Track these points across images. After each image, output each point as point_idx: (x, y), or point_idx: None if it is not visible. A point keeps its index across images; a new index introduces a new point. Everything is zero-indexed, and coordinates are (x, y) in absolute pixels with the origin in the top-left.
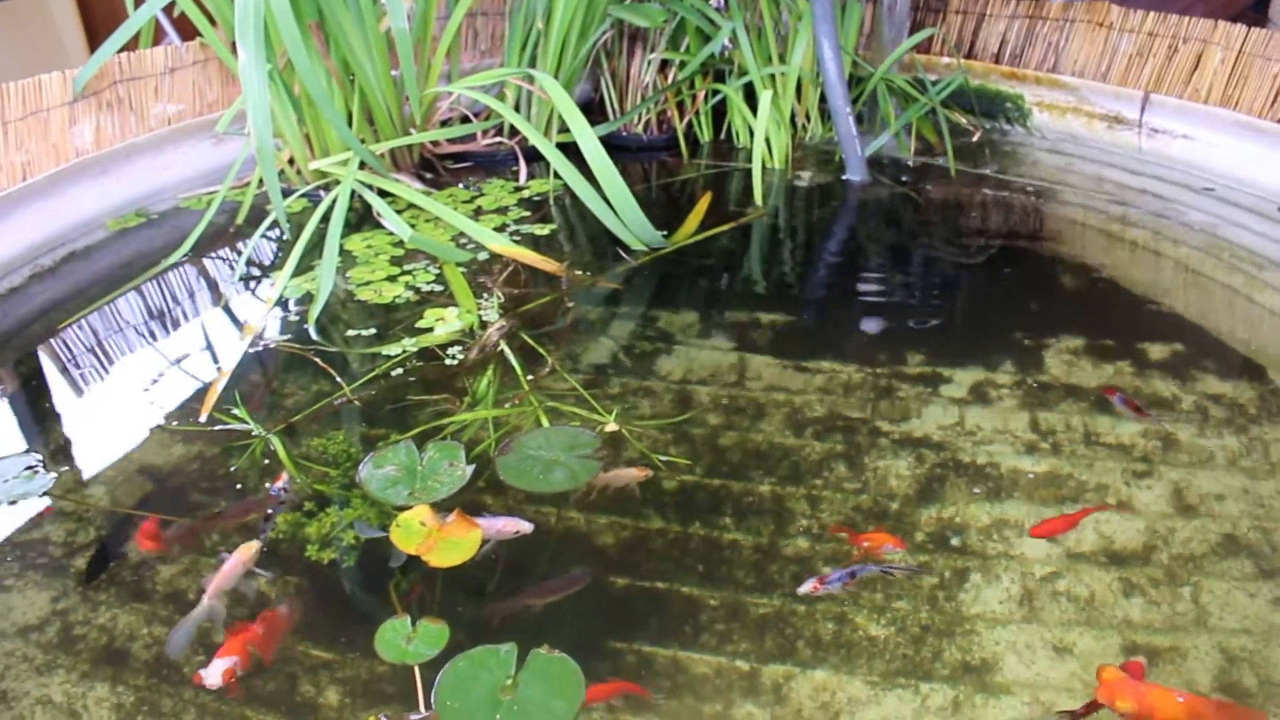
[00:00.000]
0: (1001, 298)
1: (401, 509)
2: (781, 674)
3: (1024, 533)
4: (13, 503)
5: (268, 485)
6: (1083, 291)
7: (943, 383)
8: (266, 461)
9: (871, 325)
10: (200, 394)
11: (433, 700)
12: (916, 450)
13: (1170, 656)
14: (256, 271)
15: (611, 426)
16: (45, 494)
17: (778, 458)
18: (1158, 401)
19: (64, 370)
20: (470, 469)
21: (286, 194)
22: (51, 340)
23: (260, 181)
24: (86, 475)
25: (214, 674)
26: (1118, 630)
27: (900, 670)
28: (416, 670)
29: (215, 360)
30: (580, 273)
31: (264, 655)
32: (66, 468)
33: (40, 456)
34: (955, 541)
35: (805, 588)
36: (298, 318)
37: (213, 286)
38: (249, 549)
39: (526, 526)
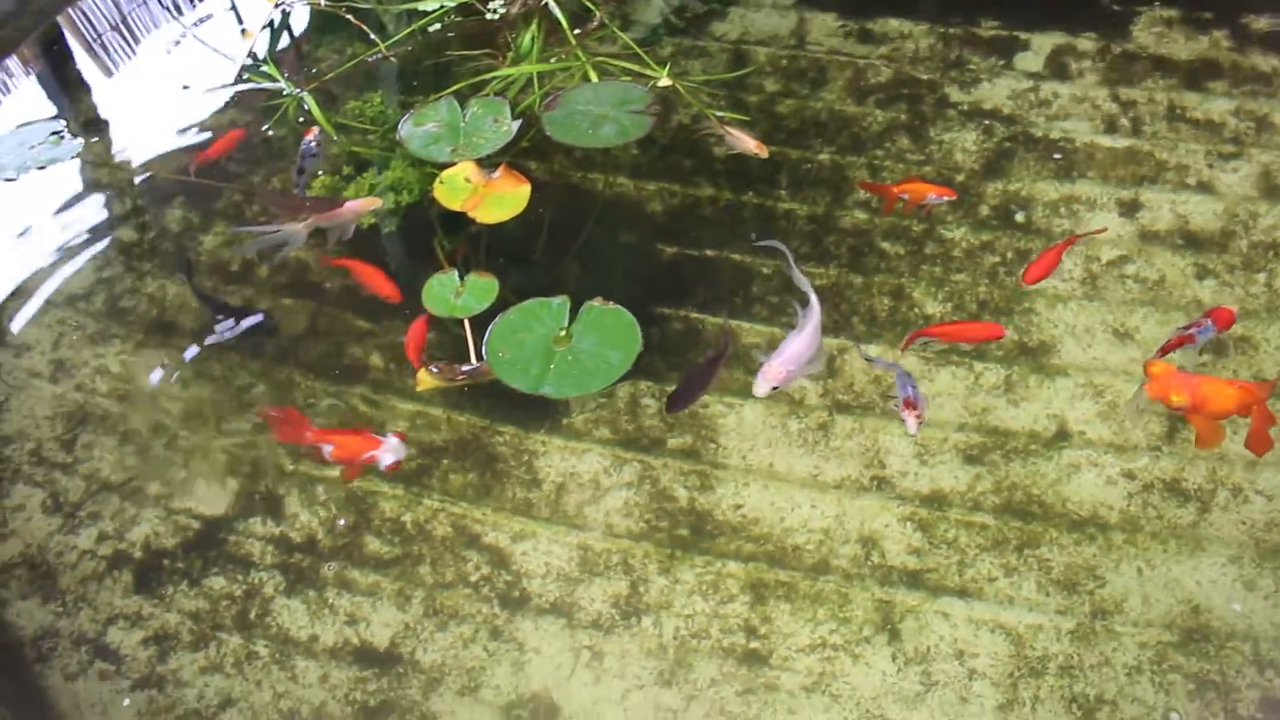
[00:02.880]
0: None
1: (444, 166)
2: (835, 346)
3: (1094, 209)
4: (42, 168)
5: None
6: None
7: (1018, 50)
8: (301, 120)
9: None
10: (229, 58)
11: (484, 352)
12: (985, 122)
13: (1238, 345)
14: None
15: (665, 81)
16: (76, 157)
17: (838, 126)
18: (1256, 77)
19: (85, 38)
20: (516, 125)
21: None
22: (70, 8)
23: None
24: (118, 144)
25: (390, 454)
26: (1185, 314)
27: (956, 350)
28: (467, 323)
29: (241, 21)
30: None
31: None
32: (96, 136)
33: (65, 121)
34: (1020, 217)
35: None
36: None
37: None
38: (370, 202)
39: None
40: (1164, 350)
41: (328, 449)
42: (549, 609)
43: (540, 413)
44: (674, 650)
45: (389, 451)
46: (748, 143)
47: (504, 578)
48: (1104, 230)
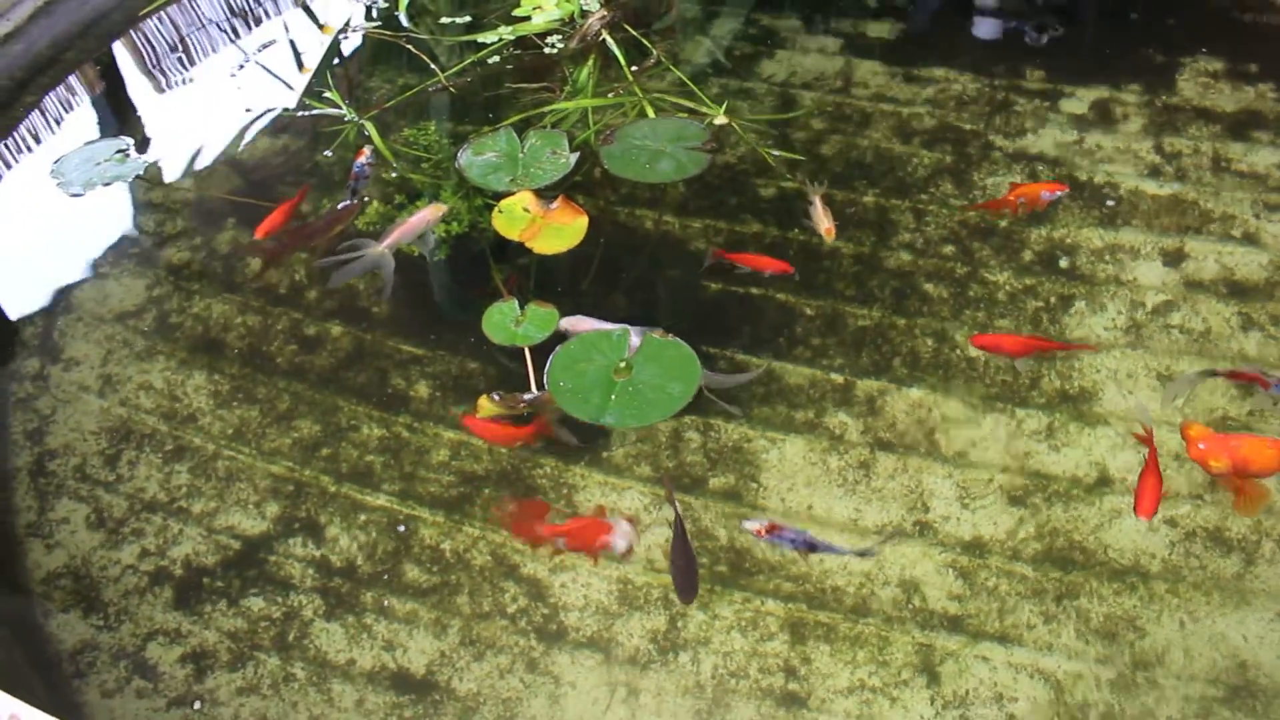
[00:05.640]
0: (1132, 12)
1: (500, 196)
2: (876, 388)
3: (1139, 257)
4: (107, 184)
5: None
6: (1228, 8)
7: (1063, 98)
8: (367, 149)
9: (989, 35)
10: (288, 85)
11: (545, 382)
12: (1030, 166)
13: None
14: None
15: (721, 120)
16: (141, 178)
17: (883, 168)
18: None
19: (147, 61)
20: (574, 157)
21: None
22: (132, 30)
23: None
24: (176, 164)
25: (624, 540)
26: (1230, 364)
27: (998, 394)
28: (527, 351)
29: (302, 50)
30: None
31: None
32: (157, 156)
33: (130, 140)
34: (1064, 263)
35: (751, 525)
36: (388, 4)
37: None
38: (437, 209)
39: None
40: (1231, 375)
41: (562, 541)
42: (586, 642)
43: (581, 446)
44: (711, 689)
45: (622, 537)
46: (822, 222)
47: (541, 610)
48: (1095, 348)
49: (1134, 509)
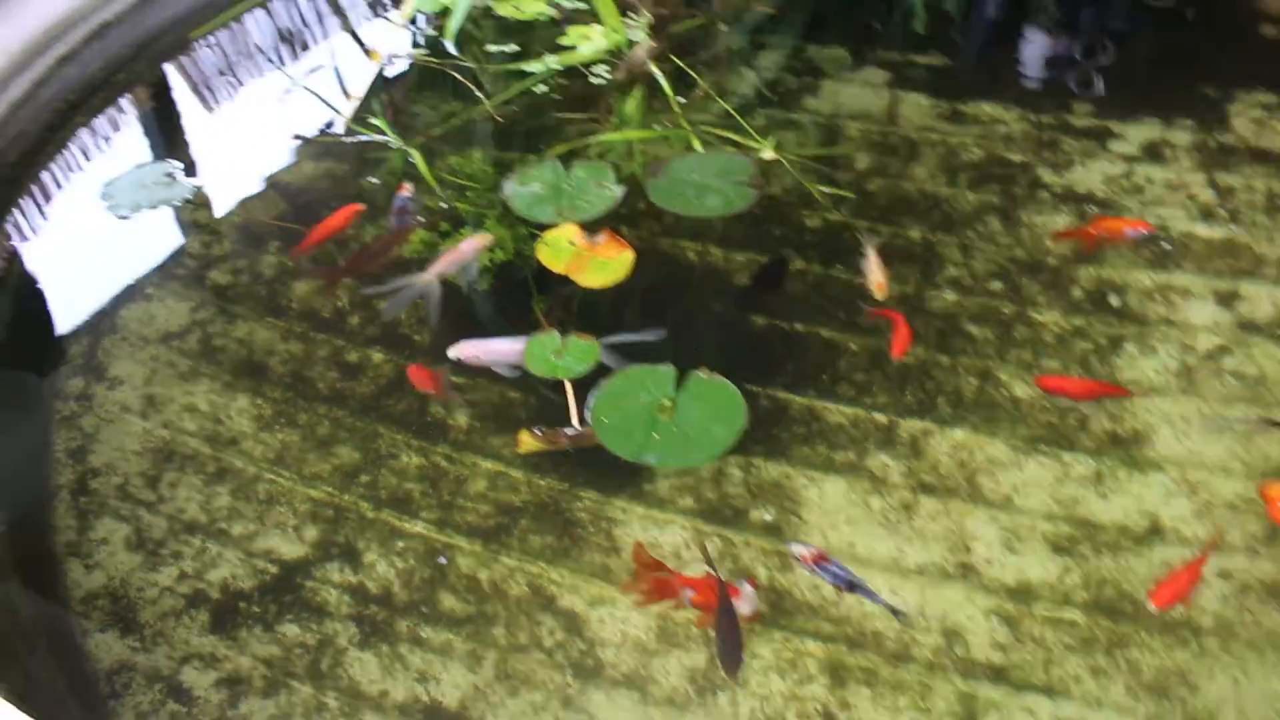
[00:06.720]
0: (1185, 47)
1: (544, 227)
2: (920, 429)
3: (1190, 296)
4: (154, 207)
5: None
6: None
7: (1112, 137)
8: (408, 185)
9: (1036, 71)
10: (334, 111)
11: (587, 416)
12: (1079, 205)
13: None
14: None
15: (769, 154)
16: (187, 201)
17: (929, 204)
18: None
19: (196, 84)
20: (620, 190)
21: None
22: (182, 54)
23: None
24: (222, 188)
25: (748, 604)
26: None
27: (1044, 437)
28: (569, 385)
29: (349, 76)
30: None
31: None
32: (203, 179)
33: (178, 163)
34: (1114, 303)
35: (799, 549)
36: (434, 33)
37: (344, 4)
38: (484, 238)
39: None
40: None
41: (688, 594)
42: (623, 680)
43: (622, 479)
44: None
45: (746, 601)
46: (874, 274)
47: (578, 645)
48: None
49: (1152, 594)
